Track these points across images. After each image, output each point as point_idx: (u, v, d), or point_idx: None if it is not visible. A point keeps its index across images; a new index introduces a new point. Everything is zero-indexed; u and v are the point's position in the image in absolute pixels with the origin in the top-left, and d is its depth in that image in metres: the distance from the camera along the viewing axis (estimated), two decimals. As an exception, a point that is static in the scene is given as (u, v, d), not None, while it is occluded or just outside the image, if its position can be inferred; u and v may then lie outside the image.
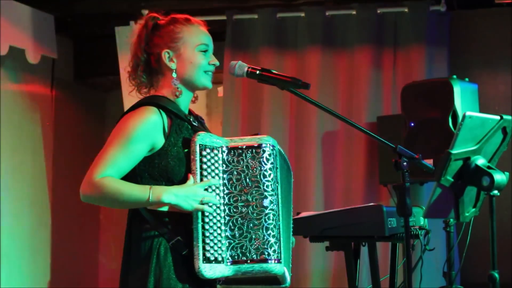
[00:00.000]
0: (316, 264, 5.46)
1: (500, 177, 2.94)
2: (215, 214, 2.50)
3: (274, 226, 2.53)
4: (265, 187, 2.54)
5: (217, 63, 2.71)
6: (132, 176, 2.56)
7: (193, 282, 2.52)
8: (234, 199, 2.53)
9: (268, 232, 2.51)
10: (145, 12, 5.75)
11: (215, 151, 2.54)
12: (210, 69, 2.68)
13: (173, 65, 2.65)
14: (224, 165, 2.55)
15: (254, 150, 2.55)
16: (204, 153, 2.52)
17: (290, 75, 2.67)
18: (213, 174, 2.53)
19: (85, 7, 5.83)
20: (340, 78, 5.67)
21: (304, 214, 3.60)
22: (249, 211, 2.52)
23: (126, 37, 5.85)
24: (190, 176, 2.51)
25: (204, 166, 2.52)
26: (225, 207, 2.53)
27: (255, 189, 2.54)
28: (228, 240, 2.51)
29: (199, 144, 2.51)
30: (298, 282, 5.54)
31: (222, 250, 2.49)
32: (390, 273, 3.77)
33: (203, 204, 2.48)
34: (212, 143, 2.54)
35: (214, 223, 2.50)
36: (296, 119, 5.67)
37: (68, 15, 6.04)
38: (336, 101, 5.63)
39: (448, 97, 4.65)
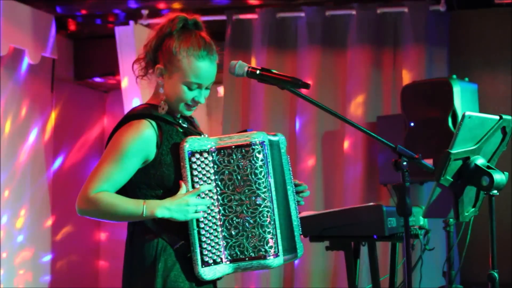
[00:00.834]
0: (316, 264, 5.46)
1: (499, 177, 2.93)
2: (210, 217, 2.54)
3: (269, 223, 2.57)
4: (257, 185, 2.57)
5: (202, 102, 2.66)
6: (130, 188, 2.60)
7: (199, 281, 2.57)
8: (228, 199, 2.57)
9: (263, 229, 2.56)
10: (145, 12, 5.79)
11: (205, 154, 2.56)
12: (193, 105, 2.66)
13: (160, 82, 2.65)
14: (215, 166, 2.57)
15: (243, 149, 2.57)
16: (193, 159, 2.54)
17: (290, 75, 2.67)
18: (204, 178, 2.56)
19: (85, 7, 5.83)
20: (340, 78, 5.67)
21: (304, 214, 3.60)
22: (244, 210, 2.57)
23: (126, 37, 5.85)
24: (182, 185, 2.54)
25: (195, 172, 2.55)
26: (220, 207, 2.57)
27: (247, 187, 2.57)
28: (225, 240, 2.56)
29: (188, 151, 2.54)
30: (298, 282, 5.54)
31: (220, 251, 2.54)
32: (390, 273, 3.77)
33: (197, 212, 2.52)
34: (200, 146, 2.56)
35: (210, 226, 2.55)
36: (296, 119, 5.67)
37: (68, 15, 6.04)
38: (336, 101, 5.63)
39: (448, 97, 4.66)
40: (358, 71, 5.60)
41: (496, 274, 2.96)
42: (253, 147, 2.57)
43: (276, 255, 2.57)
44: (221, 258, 2.55)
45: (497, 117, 3.02)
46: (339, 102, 5.63)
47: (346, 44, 5.66)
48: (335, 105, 5.56)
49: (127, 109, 5.83)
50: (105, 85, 6.76)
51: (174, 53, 2.62)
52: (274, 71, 2.68)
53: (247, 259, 2.56)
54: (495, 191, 2.96)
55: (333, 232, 3.56)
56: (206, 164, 2.56)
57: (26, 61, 5.69)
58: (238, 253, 2.56)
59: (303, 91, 2.66)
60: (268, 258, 2.56)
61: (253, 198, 2.57)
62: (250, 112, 5.76)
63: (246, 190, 2.57)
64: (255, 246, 2.56)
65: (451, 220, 4.28)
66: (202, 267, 2.52)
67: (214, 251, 2.54)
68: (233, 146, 2.57)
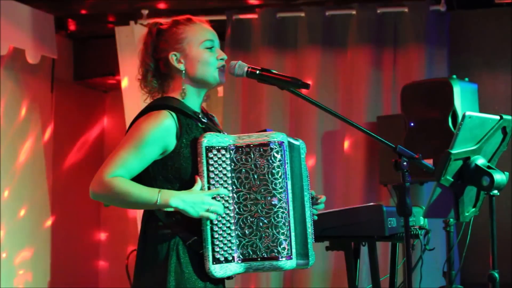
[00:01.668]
0: (316, 264, 5.43)
1: (500, 177, 2.94)
2: (224, 215, 2.52)
3: (284, 224, 2.54)
4: (273, 185, 2.54)
5: (225, 56, 2.69)
6: (147, 179, 2.59)
7: (212, 279, 2.56)
8: (244, 197, 2.55)
9: (277, 230, 2.53)
10: (145, 12, 5.78)
11: (222, 151, 2.55)
12: (221, 64, 2.68)
13: (181, 66, 2.65)
14: (233, 164, 2.55)
15: (262, 148, 2.55)
16: (210, 154, 2.53)
17: (290, 75, 2.67)
18: (220, 174, 2.54)
19: (85, 7, 5.83)
20: (340, 78, 5.67)
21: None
22: (258, 210, 2.54)
23: (126, 37, 5.85)
24: (198, 180, 2.53)
25: (211, 168, 2.53)
26: (235, 205, 2.55)
27: (264, 187, 2.54)
28: (239, 239, 2.53)
29: (206, 146, 2.53)
30: (298, 282, 5.54)
31: (232, 250, 2.52)
32: (390, 273, 3.77)
33: (209, 212, 2.51)
34: (219, 143, 2.55)
35: (223, 224, 2.52)
36: (296, 119, 5.67)
37: (68, 15, 6.04)
38: (336, 101, 5.63)
39: (448, 97, 4.66)
40: (358, 71, 5.60)
41: (496, 274, 2.96)
42: (272, 146, 2.55)
43: (289, 257, 2.54)
44: (233, 257, 2.52)
45: (498, 117, 3.02)
46: (339, 102, 5.63)
47: (346, 44, 5.66)
48: (335, 105, 5.56)
49: (127, 109, 5.84)
50: (105, 85, 6.76)
51: (174, 34, 2.67)
52: (274, 71, 2.68)
53: (259, 259, 2.53)
54: (495, 191, 2.96)
55: (333, 232, 3.56)
56: (223, 161, 2.55)
57: (26, 61, 5.68)
58: (251, 252, 2.53)
59: (303, 91, 2.66)
60: (280, 259, 2.53)
61: (269, 198, 2.54)
62: (250, 112, 5.76)
63: (262, 190, 2.54)
64: (268, 246, 2.53)
65: (451, 220, 4.27)
66: (213, 263, 2.50)
67: (226, 248, 2.52)
68: (251, 145, 2.56)
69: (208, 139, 2.54)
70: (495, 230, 2.98)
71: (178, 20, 2.72)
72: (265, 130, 2.64)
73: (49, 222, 6.06)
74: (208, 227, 2.51)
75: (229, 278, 2.59)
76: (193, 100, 2.69)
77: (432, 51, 5.48)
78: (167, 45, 2.67)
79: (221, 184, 2.54)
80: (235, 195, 2.55)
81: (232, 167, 2.55)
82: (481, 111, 4.74)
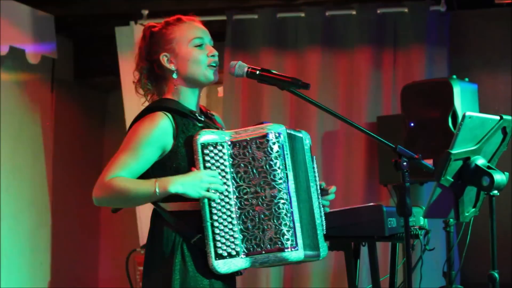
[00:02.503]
0: (316, 264, 5.45)
1: (500, 177, 2.94)
2: (224, 210, 2.52)
3: (285, 215, 2.52)
4: (272, 177, 2.53)
5: (216, 53, 2.70)
6: None
7: (217, 276, 2.57)
8: (244, 192, 2.54)
9: (279, 222, 2.51)
10: (145, 12, 5.78)
11: (219, 147, 2.55)
12: (211, 61, 2.68)
13: (173, 67, 2.68)
14: (231, 159, 2.55)
15: (258, 141, 2.54)
16: (206, 151, 2.54)
17: (290, 75, 2.67)
18: (218, 170, 2.54)
19: (85, 7, 5.83)
20: (340, 78, 5.67)
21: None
22: (259, 202, 2.53)
23: (126, 37, 5.85)
24: (195, 170, 2.54)
25: (208, 165, 2.53)
26: (236, 200, 2.54)
27: (263, 179, 2.53)
28: (242, 233, 2.53)
29: (201, 143, 2.53)
30: (298, 282, 5.54)
31: (236, 244, 2.52)
32: (390, 273, 3.76)
33: (209, 191, 2.50)
34: (215, 139, 2.55)
35: (224, 219, 2.52)
36: (296, 119, 5.67)
37: (68, 15, 6.04)
38: (336, 101, 5.63)
39: (448, 97, 4.66)
40: (358, 71, 5.60)
41: (496, 275, 2.96)
42: (268, 138, 2.54)
43: (294, 248, 2.52)
44: (237, 251, 2.52)
45: (498, 117, 3.02)
46: (339, 102, 5.63)
47: (346, 44, 5.66)
48: (335, 105, 5.56)
49: (127, 109, 5.84)
50: (105, 85, 6.75)
51: (163, 36, 2.69)
52: (274, 71, 2.68)
53: (263, 252, 2.51)
54: (495, 191, 2.96)
55: (333, 232, 3.55)
56: (221, 157, 2.55)
57: (26, 61, 5.68)
58: (255, 246, 2.52)
59: (303, 91, 2.66)
60: (285, 250, 2.51)
61: (268, 190, 2.53)
62: (250, 112, 5.76)
63: (262, 182, 2.54)
64: (271, 238, 2.51)
65: (451, 220, 4.27)
66: (215, 259, 2.51)
67: (228, 243, 2.52)
68: (248, 138, 2.55)
69: (203, 136, 2.54)
70: (495, 230, 2.98)
71: (168, 21, 2.74)
72: (262, 123, 2.63)
73: (49, 222, 6.06)
74: (209, 223, 2.51)
75: (238, 274, 2.60)
76: (189, 99, 2.70)
77: (432, 51, 5.48)
78: (158, 47, 2.70)
79: (220, 180, 2.54)
80: (235, 190, 2.54)
81: (231, 162, 2.55)
82: (481, 111, 4.74)
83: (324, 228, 2.75)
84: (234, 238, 2.52)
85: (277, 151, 2.54)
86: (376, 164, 5.34)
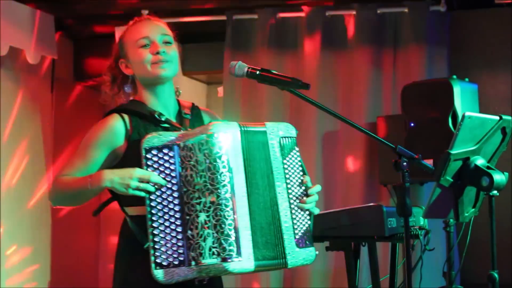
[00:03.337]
0: (316, 264, 5.46)
1: (499, 177, 2.94)
2: (166, 216, 2.42)
3: (223, 223, 2.37)
4: (211, 181, 2.39)
5: (161, 49, 2.63)
6: None
7: (168, 286, 2.45)
8: (191, 197, 2.42)
9: (217, 230, 2.37)
10: (145, 12, 5.78)
11: (165, 150, 2.45)
12: (156, 59, 2.63)
13: (129, 71, 2.69)
14: (179, 162, 2.44)
15: (201, 142, 2.42)
16: (149, 155, 2.44)
17: (290, 75, 2.67)
18: (163, 175, 2.44)
19: (85, 7, 5.83)
20: (340, 78, 5.67)
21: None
22: (202, 209, 2.39)
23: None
24: None
25: (150, 169, 2.44)
26: (183, 206, 2.42)
27: (203, 184, 2.40)
28: (188, 241, 2.40)
29: (144, 147, 2.45)
30: (298, 282, 5.54)
31: (180, 253, 2.40)
32: (390, 273, 3.77)
33: (140, 189, 2.43)
34: (160, 142, 2.45)
35: (167, 226, 2.42)
36: (296, 119, 5.67)
37: (68, 15, 6.04)
38: (336, 101, 5.63)
39: (448, 97, 4.66)
40: (358, 71, 5.60)
41: (496, 275, 2.96)
42: (209, 139, 2.41)
43: (237, 258, 2.36)
44: (181, 260, 2.39)
45: (497, 118, 3.02)
46: (339, 102, 5.63)
47: (346, 44, 5.66)
48: (335, 105, 5.56)
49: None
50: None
51: (120, 41, 2.71)
52: (274, 71, 2.68)
53: (205, 262, 2.36)
54: (495, 192, 2.96)
55: (333, 232, 3.56)
56: (167, 160, 2.44)
57: (26, 61, 5.68)
58: (198, 255, 2.37)
59: (303, 91, 2.66)
60: (227, 261, 2.35)
61: (210, 196, 2.39)
62: (250, 112, 5.76)
63: (203, 187, 2.39)
64: (209, 248, 2.36)
65: (451, 220, 4.27)
66: (155, 268, 2.39)
67: (170, 252, 2.40)
68: (193, 141, 2.43)
69: (149, 139, 2.45)
70: (495, 230, 2.98)
71: (128, 25, 2.75)
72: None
73: (49, 222, 6.05)
74: (149, 231, 2.41)
75: (199, 282, 2.44)
76: (151, 99, 2.68)
77: (432, 51, 5.48)
78: (119, 53, 2.72)
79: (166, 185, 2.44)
80: (184, 195, 2.43)
81: (177, 165, 2.44)
82: (481, 111, 4.74)
83: (305, 231, 2.58)
84: (178, 246, 2.40)
85: (217, 153, 2.40)
86: (376, 164, 5.34)
